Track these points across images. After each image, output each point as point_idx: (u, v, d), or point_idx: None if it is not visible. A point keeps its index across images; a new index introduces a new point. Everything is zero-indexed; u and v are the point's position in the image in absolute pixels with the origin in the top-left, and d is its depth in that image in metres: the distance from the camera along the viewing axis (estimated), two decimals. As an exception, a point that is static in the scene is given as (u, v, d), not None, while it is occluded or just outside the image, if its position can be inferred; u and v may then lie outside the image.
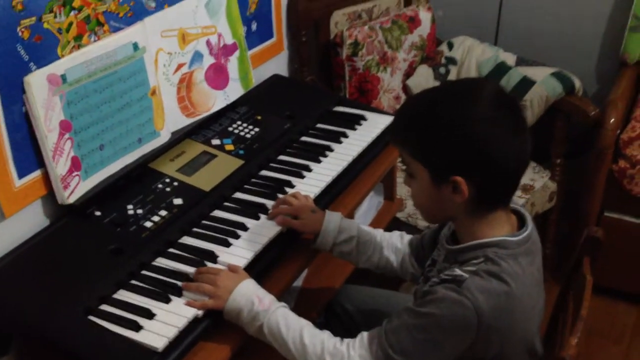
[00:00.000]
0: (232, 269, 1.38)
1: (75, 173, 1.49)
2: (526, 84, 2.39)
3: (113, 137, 1.57)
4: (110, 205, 1.53)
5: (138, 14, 1.64)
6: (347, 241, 1.50)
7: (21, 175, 1.43)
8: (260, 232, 1.51)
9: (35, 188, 1.47)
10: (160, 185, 1.61)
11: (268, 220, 1.55)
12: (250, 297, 1.29)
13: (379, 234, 1.55)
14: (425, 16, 2.56)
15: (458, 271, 1.17)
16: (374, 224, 2.01)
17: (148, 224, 1.49)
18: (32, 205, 1.48)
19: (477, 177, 1.16)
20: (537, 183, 2.40)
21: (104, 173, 1.57)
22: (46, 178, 1.47)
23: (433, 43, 2.61)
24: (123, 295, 1.34)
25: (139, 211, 1.52)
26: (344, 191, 1.75)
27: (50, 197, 1.49)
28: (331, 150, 1.82)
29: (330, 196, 1.69)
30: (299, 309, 1.32)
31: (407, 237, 1.56)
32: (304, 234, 1.54)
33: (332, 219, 1.51)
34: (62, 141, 1.45)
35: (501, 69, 2.47)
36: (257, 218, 1.55)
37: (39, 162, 1.46)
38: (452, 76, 2.54)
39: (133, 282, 1.37)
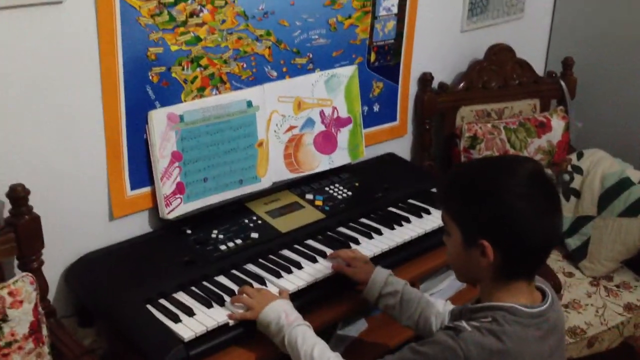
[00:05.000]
0: (281, 292, 1.61)
1: (178, 196, 1.82)
2: (645, 201, 2.35)
3: (217, 174, 1.89)
4: (200, 227, 1.84)
5: (259, 79, 1.97)
6: (392, 294, 1.64)
7: (134, 187, 1.78)
8: (310, 273, 1.72)
9: (143, 200, 1.81)
10: (246, 220, 1.89)
11: (324, 264, 1.75)
12: (279, 312, 1.50)
13: (425, 296, 1.67)
14: (557, 124, 2.63)
15: (462, 323, 1.27)
16: (449, 303, 2.09)
17: (222, 247, 1.77)
18: (138, 214, 1.82)
19: (503, 245, 1.26)
20: (645, 304, 2.31)
21: (203, 201, 1.88)
22: (154, 195, 1.81)
23: (564, 150, 2.66)
24: (180, 295, 1.62)
25: (220, 236, 1.80)
26: (410, 260, 1.89)
27: (154, 210, 1.83)
28: (409, 221, 1.98)
29: (392, 260, 1.84)
30: (346, 357, 1.45)
31: (450, 306, 1.66)
32: (357, 284, 1.70)
33: (381, 272, 1.67)
34: (171, 167, 1.80)
35: (624, 184, 2.44)
36: (314, 261, 1.76)
37: (152, 180, 1.80)
38: (575, 184, 2.55)
39: (192, 287, 1.64)
